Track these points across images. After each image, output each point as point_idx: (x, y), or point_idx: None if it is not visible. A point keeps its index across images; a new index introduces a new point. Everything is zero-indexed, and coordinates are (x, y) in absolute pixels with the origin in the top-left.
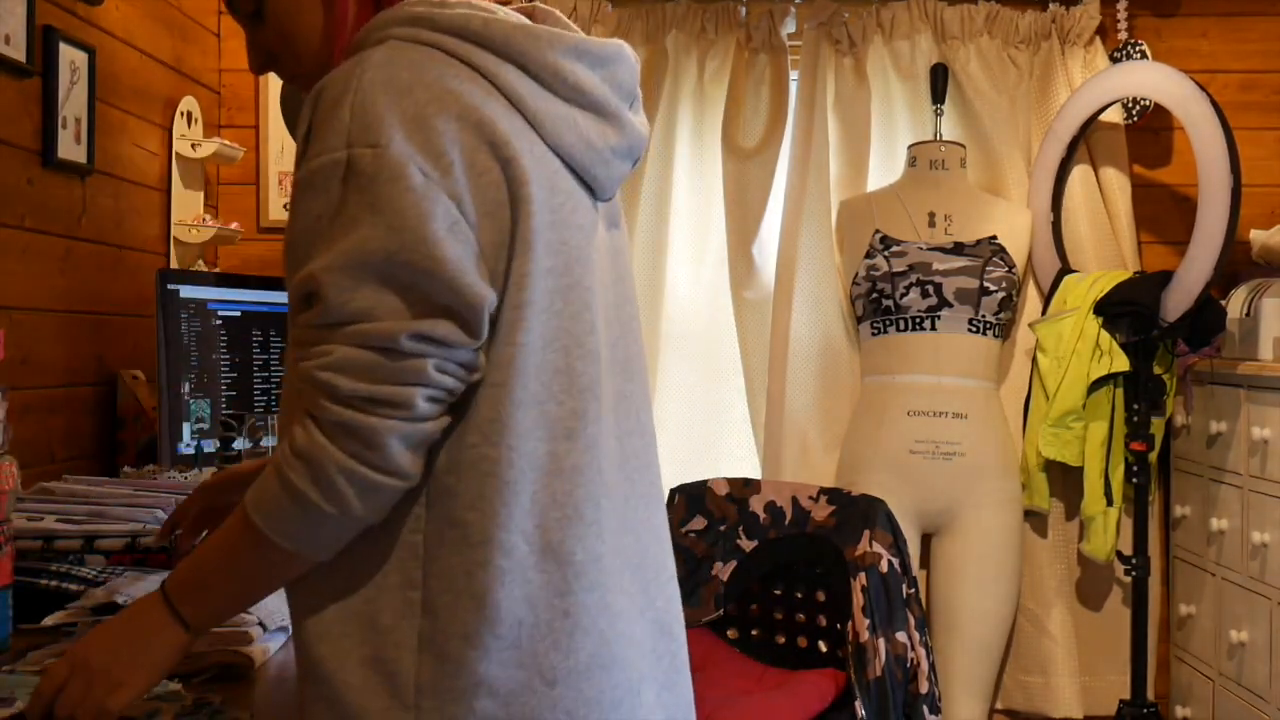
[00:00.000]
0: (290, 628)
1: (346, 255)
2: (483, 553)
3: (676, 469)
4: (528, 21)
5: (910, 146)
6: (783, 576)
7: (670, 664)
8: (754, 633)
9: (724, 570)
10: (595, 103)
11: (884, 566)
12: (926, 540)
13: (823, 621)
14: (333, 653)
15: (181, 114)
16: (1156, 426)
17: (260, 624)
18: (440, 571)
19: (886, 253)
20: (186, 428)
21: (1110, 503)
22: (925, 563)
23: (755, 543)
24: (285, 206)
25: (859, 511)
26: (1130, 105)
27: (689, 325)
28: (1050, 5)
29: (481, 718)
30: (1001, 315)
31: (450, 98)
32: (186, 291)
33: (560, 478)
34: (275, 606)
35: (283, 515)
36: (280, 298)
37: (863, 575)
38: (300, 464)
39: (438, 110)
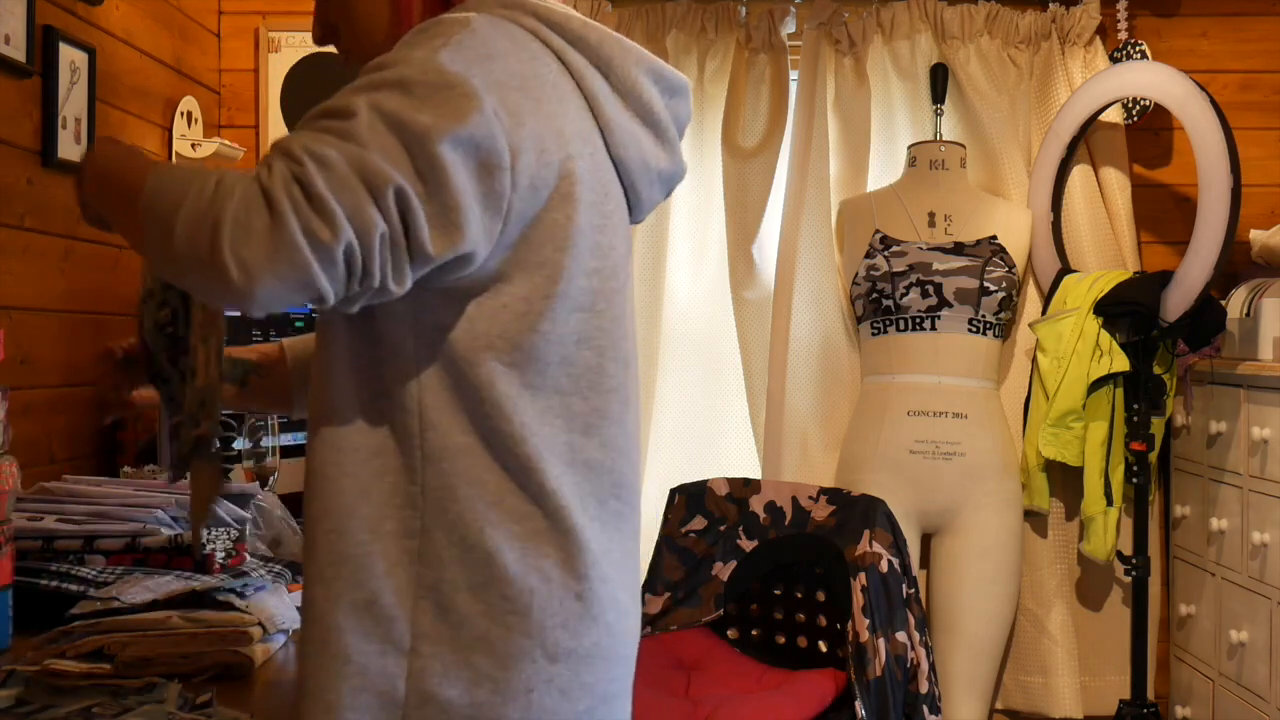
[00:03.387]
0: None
1: (394, 106)
2: (496, 513)
3: (676, 469)
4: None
5: (910, 146)
6: (783, 576)
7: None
8: (754, 633)
9: (724, 570)
10: (658, 124)
11: (884, 566)
12: (926, 540)
13: (823, 621)
14: (324, 594)
15: (181, 114)
16: (1156, 426)
17: (261, 625)
18: (448, 524)
19: (886, 252)
20: None
21: (1110, 503)
22: (925, 563)
23: (755, 543)
24: None
25: (859, 511)
26: (1130, 105)
27: (689, 325)
28: (1050, 5)
29: (477, 672)
30: (1001, 315)
31: (534, 83)
32: None
33: (573, 469)
34: (276, 608)
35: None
36: None
37: (863, 575)
38: (216, 193)
39: (520, 85)
